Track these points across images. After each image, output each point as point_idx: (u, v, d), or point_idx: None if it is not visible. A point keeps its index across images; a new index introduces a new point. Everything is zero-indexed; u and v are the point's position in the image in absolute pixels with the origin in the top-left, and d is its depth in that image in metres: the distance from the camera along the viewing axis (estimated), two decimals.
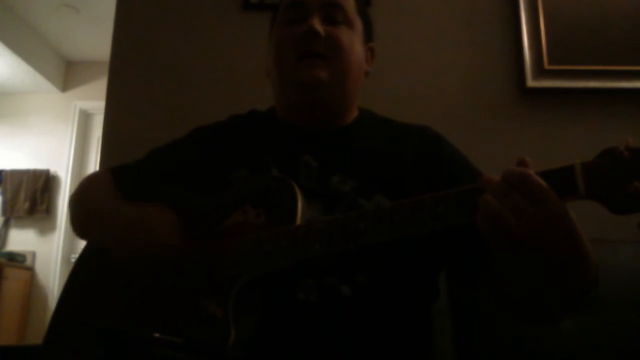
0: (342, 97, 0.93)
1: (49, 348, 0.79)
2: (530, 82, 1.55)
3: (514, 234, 0.54)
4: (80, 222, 0.95)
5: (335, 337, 0.74)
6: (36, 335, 3.92)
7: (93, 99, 4.58)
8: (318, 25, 0.88)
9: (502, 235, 0.55)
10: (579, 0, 1.60)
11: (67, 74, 4.87)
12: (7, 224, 4.52)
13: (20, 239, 4.46)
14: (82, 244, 0.93)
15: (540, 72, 1.56)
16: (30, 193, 4.48)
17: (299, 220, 0.69)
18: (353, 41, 0.92)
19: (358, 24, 0.95)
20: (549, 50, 1.56)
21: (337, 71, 0.89)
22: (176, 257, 0.74)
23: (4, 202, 4.51)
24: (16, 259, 4.24)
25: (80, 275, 0.84)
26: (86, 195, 0.95)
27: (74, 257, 0.95)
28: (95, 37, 4.27)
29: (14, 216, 4.51)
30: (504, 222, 0.54)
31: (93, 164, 4.60)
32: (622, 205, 0.51)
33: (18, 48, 4.22)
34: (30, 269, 4.37)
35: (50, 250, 4.42)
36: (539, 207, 0.53)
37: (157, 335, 0.65)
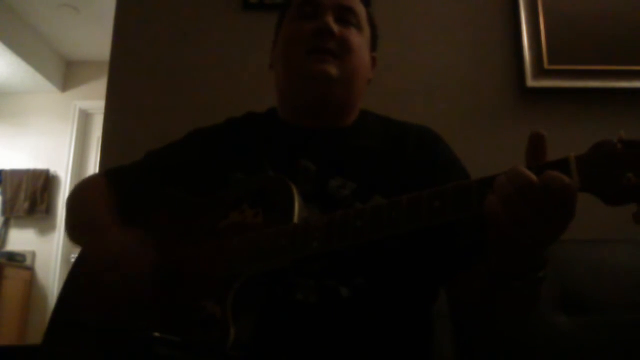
0: (347, 97, 0.93)
1: (48, 348, 0.79)
2: (530, 82, 1.55)
3: (522, 218, 0.53)
4: (71, 229, 0.97)
5: (334, 338, 0.74)
6: (36, 335, 3.91)
7: (93, 99, 4.58)
8: (333, 24, 0.89)
9: (511, 219, 0.54)
10: (579, 0, 1.60)
11: (67, 74, 4.87)
12: (7, 224, 4.52)
13: (20, 239, 4.47)
14: None
15: (540, 72, 1.55)
16: (30, 193, 4.48)
17: (296, 220, 0.68)
18: (362, 45, 0.94)
19: (367, 31, 0.97)
20: (549, 50, 1.56)
21: (346, 70, 0.90)
22: (168, 262, 0.74)
23: (4, 202, 4.51)
24: (16, 259, 4.24)
25: (79, 274, 0.84)
26: (77, 203, 0.97)
27: (74, 257, 0.95)
28: (95, 37, 4.26)
29: (14, 216, 4.51)
30: (516, 206, 0.53)
31: (93, 164, 4.61)
32: (616, 197, 0.52)
33: (18, 48, 4.22)
34: (30, 269, 4.37)
35: (50, 250, 4.42)
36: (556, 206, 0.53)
37: (156, 334, 0.65)
